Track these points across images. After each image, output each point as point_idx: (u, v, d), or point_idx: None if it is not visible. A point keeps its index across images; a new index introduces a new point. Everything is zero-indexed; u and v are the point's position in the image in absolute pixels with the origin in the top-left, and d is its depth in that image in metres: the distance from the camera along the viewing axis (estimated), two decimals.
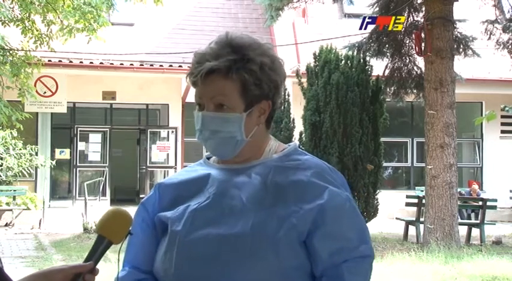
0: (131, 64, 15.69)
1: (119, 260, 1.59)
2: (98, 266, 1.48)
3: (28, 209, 14.34)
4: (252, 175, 1.58)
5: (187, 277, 1.51)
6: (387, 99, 12.93)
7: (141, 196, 17.90)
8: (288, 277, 1.49)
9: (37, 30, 10.73)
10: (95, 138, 16.76)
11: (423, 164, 12.40)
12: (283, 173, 1.58)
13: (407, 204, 13.11)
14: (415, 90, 13.10)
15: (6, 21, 10.35)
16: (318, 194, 1.53)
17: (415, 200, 12.73)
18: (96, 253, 1.47)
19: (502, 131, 18.09)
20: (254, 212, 1.51)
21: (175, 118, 16.56)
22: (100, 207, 15.01)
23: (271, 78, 1.61)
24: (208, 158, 1.72)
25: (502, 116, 17.08)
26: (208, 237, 1.51)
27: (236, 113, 1.57)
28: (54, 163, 15.09)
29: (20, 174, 14.51)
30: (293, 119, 12.31)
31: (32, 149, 14.49)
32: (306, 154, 1.66)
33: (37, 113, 15.31)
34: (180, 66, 15.38)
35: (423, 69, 11.90)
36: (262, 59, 1.59)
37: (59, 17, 10.37)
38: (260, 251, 1.47)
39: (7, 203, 14.37)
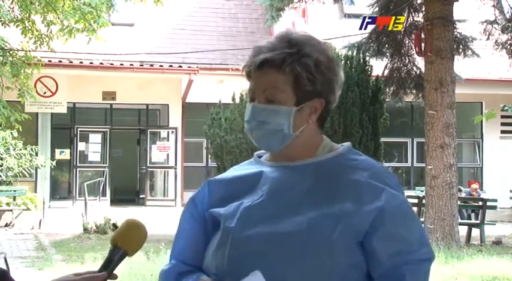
0: (131, 64, 15.69)
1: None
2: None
3: (28, 209, 14.35)
4: (306, 173, 1.56)
5: (240, 273, 1.49)
6: (387, 100, 12.93)
7: (141, 196, 17.89)
8: (344, 275, 1.47)
9: (37, 31, 10.72)
10: (95, 138, 16.75)
11: (423, 164, 12.39)
12: (339, 172, 1.56)
13: None
14: (414, 91, 13.09)
15: (6, 22, 10.35)
16: (376, 196, 1.51)
17: (415, 200, 12.72)
18: (112, 263, 1.45)
19: (502, 131, 18.09)
20: (309, 210, 1.50)
21: (175, 118, 16.54)
22: (100, 207, 15.02)
23: (326, 77, 1.59)
24: (260, 157, 1.69)
25: (502, 116, 17.09)
26: (262, 234, 1.50)
27: (286, 106, 1.56)
28: (54, 163, 15.09)
29: (20, 174, 14.51)
30: None
31: (32, 150, 14.49)
32: (361, 155, 1.64)
33: (37, 113, 15.31)
34: (180, 66, 15.37)
35: (423, 69, 11.90)
36: (318, 56, 1.59)
37: (59, 18, 10.36)
38: (314, 249, 1.46)
39: (7, 204, 14.38)
